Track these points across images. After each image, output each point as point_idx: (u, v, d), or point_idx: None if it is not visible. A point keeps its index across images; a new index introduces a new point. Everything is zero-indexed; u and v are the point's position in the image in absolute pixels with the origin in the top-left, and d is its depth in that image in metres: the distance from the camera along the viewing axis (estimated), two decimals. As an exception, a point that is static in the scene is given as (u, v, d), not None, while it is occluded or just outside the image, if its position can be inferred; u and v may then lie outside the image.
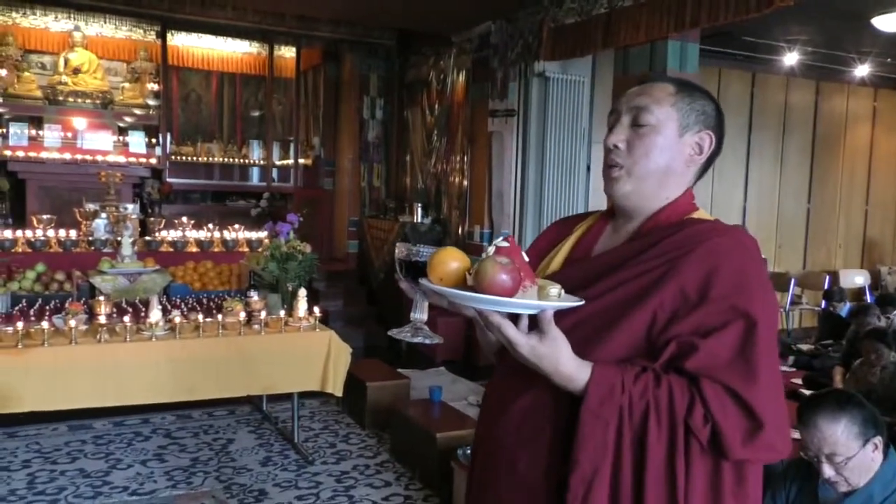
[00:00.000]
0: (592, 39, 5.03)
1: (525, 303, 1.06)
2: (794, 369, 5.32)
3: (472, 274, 1.08)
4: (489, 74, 6.27)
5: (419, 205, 7.21)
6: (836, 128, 8.17)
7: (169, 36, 8.28)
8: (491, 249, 1.11)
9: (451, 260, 1.10)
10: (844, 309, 5.70)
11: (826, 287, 7.00)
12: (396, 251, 1.20)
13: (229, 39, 8.62)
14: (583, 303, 1.12)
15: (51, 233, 5.26)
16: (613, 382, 1.10)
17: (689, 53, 4.84)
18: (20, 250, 4.93)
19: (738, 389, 1.09)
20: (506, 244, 1.11)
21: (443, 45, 7.08)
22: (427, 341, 1.22)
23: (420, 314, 1.22)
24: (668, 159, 1.24)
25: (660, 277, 1.15)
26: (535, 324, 1.09)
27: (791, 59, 6.78)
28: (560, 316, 1.13)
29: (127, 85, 8.16)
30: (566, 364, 1.10)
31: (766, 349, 1.11)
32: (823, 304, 6.54)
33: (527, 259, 1.14)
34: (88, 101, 7.75)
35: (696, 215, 1.27)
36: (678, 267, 1.15)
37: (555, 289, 1.11)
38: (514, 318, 1.10)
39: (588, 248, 1.31)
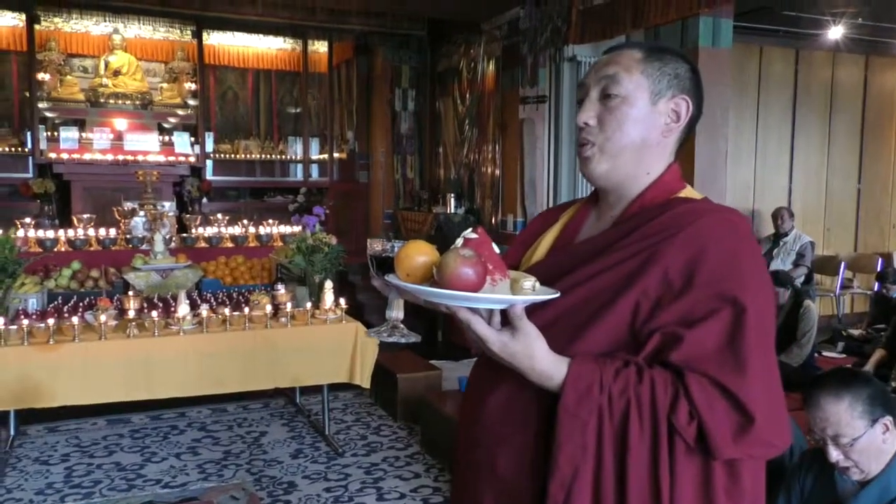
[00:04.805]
0: (622, 20, 4.91)
1: (490, 297, 1.00)
2: (843, 355, 5.12)
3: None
4: (519, 61, 6.18)
5: (452, 195, 7.17)
6: (887, 103, 7.79)
7: (205, 35, 8.41)
8: (459, 241, 1.05)
9: (418, 254, 1.05)
10: (898, 292, 5.44)
11: (879, 270, 6.70)
12: (368, 247, 1.16)
13: (263, 36, 8.70)
14: (557, 295, 1.06)
15: (91, 231, 5.40)
16: (591, 380, 1.04)
17: (723, 30, 4.68)
18: (61, 249, 5.07)
19: (725, 382, 1.01)
20: (474, 236, 1.06)
21: (472, 33, 7.00)
22: (403, 341, 1.17)
23: (395, 312, 1.18)
24: (643, 131, 1.16)
25: (643, 263, 1.08)
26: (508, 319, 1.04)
27: (836, 32, 6.47)
28: (539, 308, 1.08)
29: (165, 85, 8.33)
30: (541, 361, 1.04)
31: (756, 338, 1.03)
32: (876, 286, 6.25)
33: (498, 251, 1.08)
34: (129, 102, 7.95)
35: (683, 194, 1.19)
36: (662, 251, 1.08)
37: (528, 282, 1.05)
38: (491, 314, 1.04)
39: (572, 236, 1.25)
